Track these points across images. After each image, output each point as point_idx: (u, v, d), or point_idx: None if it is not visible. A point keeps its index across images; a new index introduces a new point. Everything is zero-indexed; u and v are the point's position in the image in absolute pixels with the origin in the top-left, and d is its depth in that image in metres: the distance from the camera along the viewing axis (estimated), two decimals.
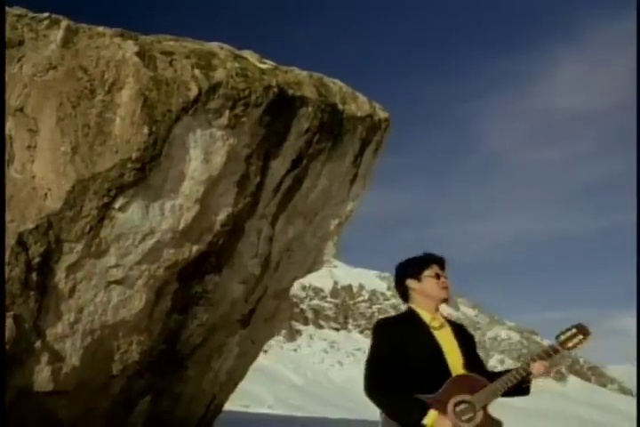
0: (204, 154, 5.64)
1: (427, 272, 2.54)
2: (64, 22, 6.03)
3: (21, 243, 4.83)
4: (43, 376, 4.95)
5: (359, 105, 7.13)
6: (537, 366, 2.38)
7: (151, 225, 5.39)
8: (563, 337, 2.45)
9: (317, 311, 67.10)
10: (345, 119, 6.85)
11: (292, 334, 62.66)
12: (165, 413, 6.06)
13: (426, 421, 2.26)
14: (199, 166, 5.62)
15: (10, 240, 4.78)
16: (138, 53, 5.72)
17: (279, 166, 6.36)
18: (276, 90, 6.03)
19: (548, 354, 2.43)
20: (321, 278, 65.28)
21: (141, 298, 5.43)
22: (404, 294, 2.58)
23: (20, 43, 6.00)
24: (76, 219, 5.04)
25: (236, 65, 6.00)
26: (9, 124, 5.48)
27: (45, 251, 4.93)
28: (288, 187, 6.61)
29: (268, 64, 6.79)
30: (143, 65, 5.65)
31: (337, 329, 67.78)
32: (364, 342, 60.16)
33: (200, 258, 5.80)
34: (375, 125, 7.28)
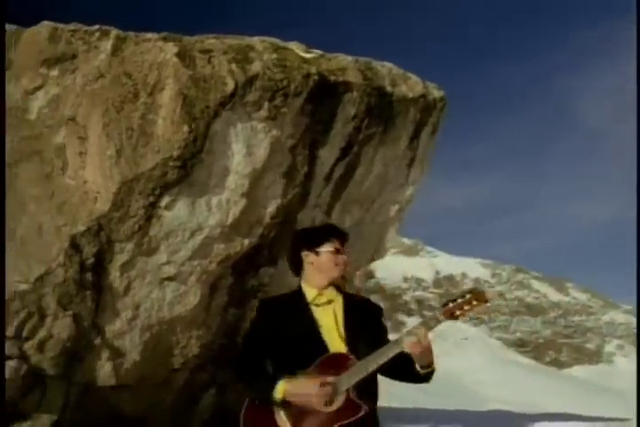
0: (246, 147, 5.65)
1: (326, 246, 2.38)
2: (113, 32, 6.23)
3: (74, 245, 5.04)
4: (105, 372, 5.15)
5: (410, 86, 6.88)
6: (408, 342, 2.14)
7: (199, 221, 5.47)
8: (451, 304, 2.18)
9: (421, 302, 66.23)
10: (395, 102, 6.64)
11: (397, 326, 62.34)
12: (232, 406, 6.13)
13: (277, 394, 2.11)
14: (242, 160, 5.63)
15: (63, 243, 5.01)
16: (177, 54, 5.81)
17: (328, 155, 6.27)
18: (316, 77, 5.93)
19: (428, 326, 2.18)
20: (422, 269, 64.46)
21: (196, 293, 5.52)
22: (296, 265, 2.42)
23: (74, 56, 6.27)
24: (125, 219, 5.19)
25: (274, 56, 5.95)
26: (62, 134, 5.74)
27: (98, 251, 5.13)
28: (340, 175, 6.49)
29: (313, 53, 6.70)
30: (182, 65, 5.73)
31: None
32: (472, 332, 58.76)
33: (252, 251, 5.82)
34: (430, 106, 7.01)
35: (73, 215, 5.16)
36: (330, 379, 2.11)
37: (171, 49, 5.87)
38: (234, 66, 5.70)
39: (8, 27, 6.72)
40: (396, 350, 2.09)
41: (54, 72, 6.22)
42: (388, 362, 2.10)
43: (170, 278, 5.41)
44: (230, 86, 5.56)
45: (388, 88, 6.60)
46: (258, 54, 5.94)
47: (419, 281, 66.72)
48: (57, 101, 6.03)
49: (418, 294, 65.54)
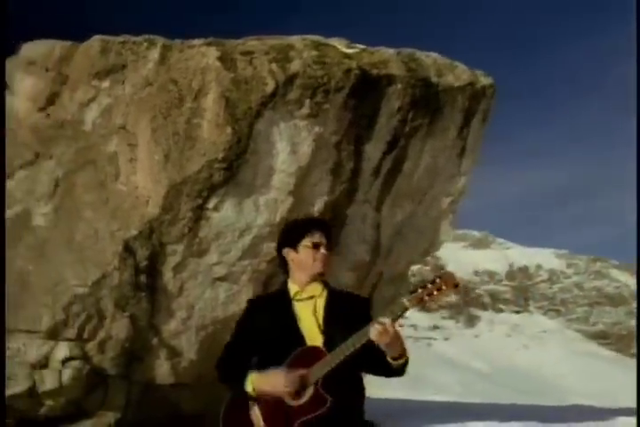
0: (290, 145, 5.68)
1: (305, 241, 2.32)
2: (160, 41, 6.40)
3: (128, 249, 5.21)
4: (163, 370, 5.30)
5: (457, 75, 6.73)
6: (374, 331, 2.04)
7: (247, 221, 5.54)
8: (420, 290, 2.07)
9: (494, 295, 64.78)
10: (441, 92, 6.52)
11: (471, 320, 61.21)
12: None
13: (248, 387, 2.07)
14: (287, 158, 5.67)
15: (117, 247, 5.19)
16: (219, 58, 5.90)
17: (374, 149, 6.22)
18: (357, 72, 5.89)
19: (394, 313, 2.08)
20: (494, 261, 62.98)
21: (248, 292, 5.59)
22: (282, 264, 2.37)
23: (124, 66, 6.46)
24: (175, 222, 5.32)
25: (314, 53, 5.95)
26: (114, 142, 5.94)
27: (151, 254, 5.28)
28: (388, 169, 6.43)
29: (356, 48, 6.66)
30: (224, 68, 5.82)
31: (517, 312, 64.94)
32: (549, 324, 56.95)
33: None
34: (478, 94, 6.83)
35: (126, 220, 5.34)
36: (301, 372, 2.09)
37: (213, 53, 5.97)
38: (274, 66, 5.74)
39: (62, 43, 7.01)
40: (363, 340, 2.04)
41: (106, 83, 6.43)
42: (361, 355, 2.05)
43: (222, 278, 5.50)
44: (271, 86, 5.60)
45: (434, 78, 6.49)
46: (298, 53, 5.96)
47: (491, 274, 65.28)
48: (109, 111, 6.24)
49: (490, 287, 64.14)
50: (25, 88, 6.78)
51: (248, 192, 5.56)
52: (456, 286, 2.11)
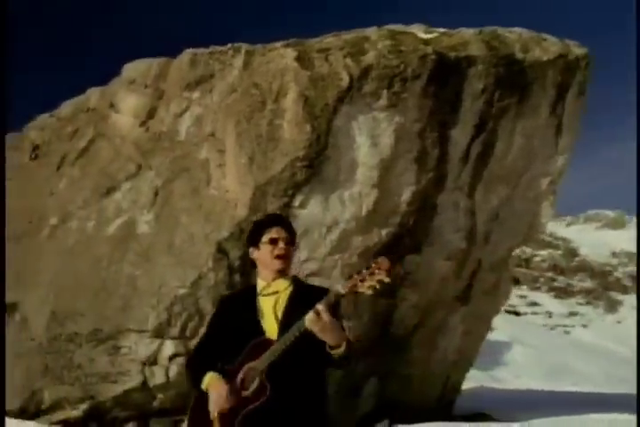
0: (370, 138, 5.66)
1: (264, 237, 2.23)
2: (243, 48, 6.62)
3: (221, 250, 5.45)
4: None
5: (545, 48, 6.38)
6: (308, 319, 1.90)
7: (333, 216, 5.60)
8: (355, 276, 1.90)
9: (635, 278, 60.29)
10: (528, 68, 6.21)
11: (612, 306, 57.47)
12: (397, 394, 6.18)
13: (203, 385, 2.01)
14: (369, 151, 5.65)
15: (211, 249, 5.44)
16: (297, 58, 6.00)
17: (461, 134, 6.04)
18: (433, 57, 5.76)
19: (329, 301, 1.92)
20: (631, 242, 58.69)
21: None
22: (251, 263, 2.31)
23: (211, 76, 6.76)
24: None
25: (388, 43, 5.89)
26: (205, 149, 6.22)
27: (243, 254, 5.48)
28: (478, 153, 6.22)
29: (435, 32, 6.52)
30: (302, 67, 5.91)
31: None
32: None
33: (393, 241, 5.81)
34: (571, 66, 6.43)
35: (218, 223, 5.58)
36: (252, 364, 2.08)
37: (290, 54, 6.08)
38: (348, 60, 5.75)
39: (158, 60, 7.44)
40: (301, 329, 1.98)
41: (196, 94, 6.74)
42: (306, 346, 1.99)
43: (313, 274, 5.60)
44: (345, 81, 5.61)
45: (519, 54, 6.19)
46: (372, 44, 5.92)
47: (629, 255, 60.85)
48: (200, 120, 6.55)
49: (630, 269, 59.79)
50: (127, 106, 7.28)
51: (332, 188, 5.61)
52: (389, 270, 2.01)
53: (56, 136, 7.61)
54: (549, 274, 57.28)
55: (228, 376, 2.11)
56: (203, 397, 2.13)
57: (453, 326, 6.46)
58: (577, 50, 6.48)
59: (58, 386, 5.49)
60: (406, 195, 5.81)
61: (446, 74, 5.84)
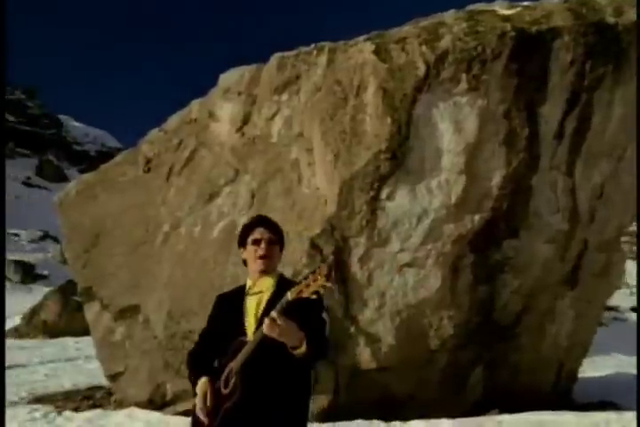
0: (453, 124, 5.58)
1: (249, 239, 2.24)
2: (327, 46, 6.75)
3: (314, 246, 5.62)
4: (365, 356, 5.60)
5: None
6: (264, 325, 1.87)
7: (422, 206, 5.59)
8: (304, 282, 1.86)
9: None
10: (622, 32, 5.81)
11: None
12: (507, 382, 6.05)
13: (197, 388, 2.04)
14: (452, 138, 5.58)
15: (304, 246, 5.63)
16: (375, 51, 6.05)
17: (551, 111, 5.79)
18: (513, 34, 5.57)
19: (281, 307, 1.88)
20: None
21: (436, 276, 5.64)
22: (245, 264, 2.32)
23: (297, 77, 6.96)
24: (352, 216, 5.59)
25: (464, 25, 5.77)
26: (295, 149, 6.42)
27: (336, 249, 5.62)
28: (574, 129, 5.92)
29: (517, 7, 6.27)
30: (379, 60, 5.95)
31: None
32: None
33: (487, 226, 5.69)
34: None
35: (310, 220, 5.76)
36: (231, 364, 2.14)
37: (368, 48, 6.13)
38: (424, 47, 5.70)
39: (250, 67, 7.76)
40: (261, 335, 2.09)
41: (285, 96, 6.97)
42: (271, 347, 2.05)
43: (408, 265, 5.62)
44: (422, 69, 5.58)
45: (610, 19, 5.81)
46: (448, 28, 5.82)
47: None
48: (289, 121, 6.76)
49: None
50: (224, 113, 7.65)
51: (419, 177, 5.60)
52: (328, 275, 2.06)
53: (164, 148, 8.16)
54: None
55: (218, 375, 2.28)
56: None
57: (562, 310, 6.20)
58: None
59: (178, 380, 5.94)
60: (497, 179, 5.67)
61: (529, 50, 5.62)
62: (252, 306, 2.36)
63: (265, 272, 2.43)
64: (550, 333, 6.22)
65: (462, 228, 5.63)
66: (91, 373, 9.17)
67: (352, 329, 5.59)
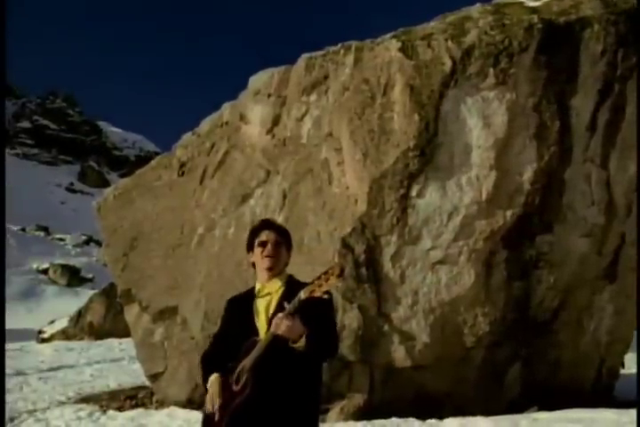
0: (482, 119, 5.54)
1: (256, 241, 2.24)
2: (354, 45, 6.77)
3: (346, 245, 5.64)
4: (399, 354, 5.60)
5: None
6: (273, 323, 1.86)
7: (453, 203, 5.55)
8: (316, 282, 1.84)
9: None
10: None
11: None
12: (545, 379, 5.96)
13: (207, 384, 2.05)
14: (481, 133, 5.53)
15: (336, 245, 5.65)
16: (401, 49, 6.04)
17: (583, 102, 5.69)
18: (540, 26, 5.50)
19: (294, 306, 1.86)
20: None
21: (470, 273, 5.60)
22: (254, 267, 2.33)
23: (325, 77, 6.99)
24: (382, 215, 5.60)
25: (490, 19, 5.72)
26: (324, 149, 6.45)
27: (367, 248, 5.63)
28: (607, 120, 5.81)
29: None
30: (406, 57, 5.94)
31: None
32: None
33: (519, 222, 5.62)
34: None
35: (341, 219, 5.79)
36: (244, 362, 2.16)
37: (394, 45, 6.12)
38: (449, 43, 5.67)
39: (279, 69, 7.83)
40: (272, 333, 2.12)
41: (313, 97, 7.01)
42: (282, 345, 2.06)
43: (440, 262, 5.60)
44: (448, 65, 5.55)
45: None
46: (474, 23, 5.78)
47: None
48: (318, 122, 6.79)
49: None
50: (254, 116, 7.74)
51: (448, 174, 5.57)
52: (340, 275, 2.09)
53: (197, 152, 8.29)
54: None
55: (230, 374, 2.32)
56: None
57: (601, 306, 6.08)
58: None
59: None
60: (528, 173, 5.59)
61: (557, 41, 5.53)
62: (263, 307, 2.41)
63: (272, 270, 2.46)
64: (589, 328, 6.11)
65: (494, 224, 5.57)
66: (135, 373, 9.41)
67: (386, 327, 5.60)
